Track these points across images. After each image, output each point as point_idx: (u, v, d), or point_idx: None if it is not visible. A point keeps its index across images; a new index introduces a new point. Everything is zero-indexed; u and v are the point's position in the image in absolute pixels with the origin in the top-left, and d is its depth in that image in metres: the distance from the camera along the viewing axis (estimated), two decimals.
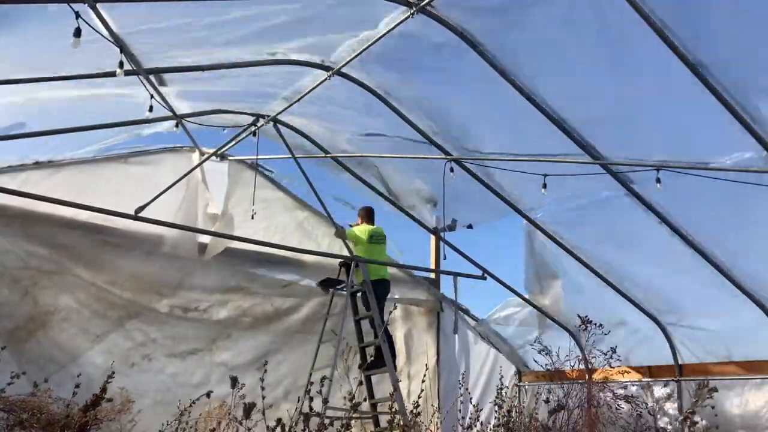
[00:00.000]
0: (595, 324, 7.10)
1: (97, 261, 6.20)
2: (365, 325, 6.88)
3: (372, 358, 6.73)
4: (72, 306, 6.05)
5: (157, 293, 6.52)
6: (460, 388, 7.46)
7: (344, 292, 6.77)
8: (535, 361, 7.54)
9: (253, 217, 6.49)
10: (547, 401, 6.77)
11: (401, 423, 5.02)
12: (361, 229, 6.98)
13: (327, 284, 6.93)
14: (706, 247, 6.24)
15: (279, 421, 3.87)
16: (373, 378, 6.77)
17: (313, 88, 5.43)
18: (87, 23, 3.87)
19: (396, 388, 6.14)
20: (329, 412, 4.96)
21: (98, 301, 6.18)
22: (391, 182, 7.26)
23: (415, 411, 4.89)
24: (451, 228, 7.42)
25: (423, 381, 6.86)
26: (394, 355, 6.71)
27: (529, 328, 8.11)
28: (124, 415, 5.15)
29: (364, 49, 4.87)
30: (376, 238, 7.00)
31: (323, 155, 6.83)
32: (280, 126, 6.35)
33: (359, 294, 6.88)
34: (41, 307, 5.89)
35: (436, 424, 7.11)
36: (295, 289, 7.24)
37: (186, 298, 6.68)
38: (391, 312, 6.94)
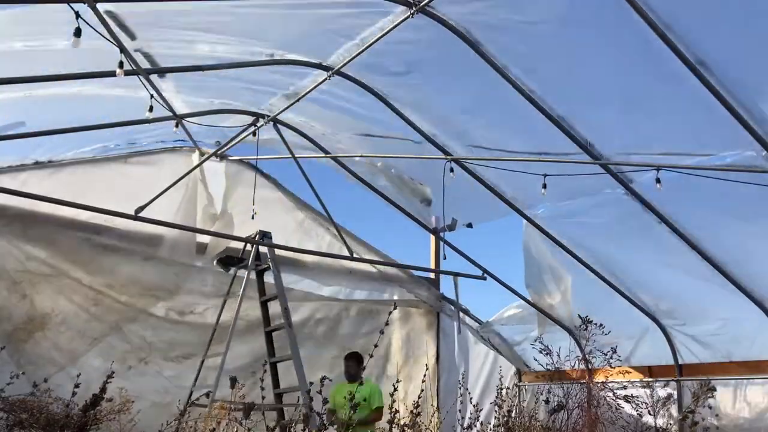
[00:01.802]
0: (595, 324, 7.10)
1: (95, 264, 6.21)
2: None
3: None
4: (69, 309, 6.08)
5: (154, 297, 6.53)
6: (459, 388, 7.46)
7: (246, 270, 6.26)
8: (536, 360, 7.53)
9: (253, 217, 6.49)
10: (547, 401, 6.76)
11: (401, 423, 4.99)
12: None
13: (228, 262, 6.44)
14: (706, 247, 6.24)
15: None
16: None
17: (313, 88, 5.43)
18: (87, 23, 3.87)
19: (301, 379, 5.69)
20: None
21: (95, 305, 6.20)
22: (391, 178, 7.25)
23: (415, 411, 4.88)
24: (451, 228, 7.39)
25: (423, 381, 6.84)
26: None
27: (530, 327, 8.10)
28: (123, 415, 5.14)
29: (364, 50, 4.88)
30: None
31: (323, 155, 6.83)
32: (280, 126, 6.36)
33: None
34: (39, 309, 5.92)
35: (436, 425, 7.10)
36: (291, 294, 7.12)
37: (183, 302, 6.67)
38: (390, 312, 6.88)
